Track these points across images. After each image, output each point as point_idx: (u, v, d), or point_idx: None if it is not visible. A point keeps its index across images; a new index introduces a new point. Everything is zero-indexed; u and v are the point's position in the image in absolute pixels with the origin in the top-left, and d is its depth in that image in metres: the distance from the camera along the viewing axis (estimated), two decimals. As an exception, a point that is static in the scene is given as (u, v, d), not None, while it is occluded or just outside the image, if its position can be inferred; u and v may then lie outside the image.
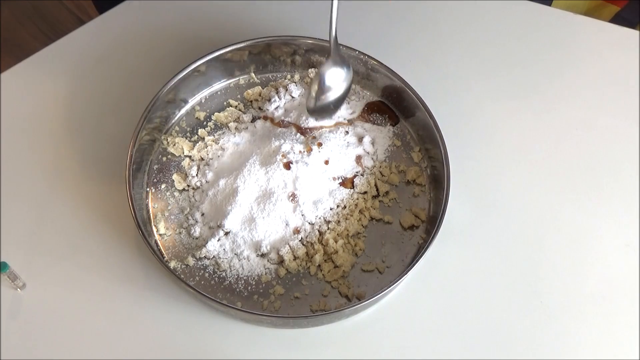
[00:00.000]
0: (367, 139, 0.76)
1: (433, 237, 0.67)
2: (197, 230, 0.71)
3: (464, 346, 0.67)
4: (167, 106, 0.77)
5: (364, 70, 0.79)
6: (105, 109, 0.80)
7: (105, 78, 0.83)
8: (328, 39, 0.78)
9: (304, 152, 0.73)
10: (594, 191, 0.77)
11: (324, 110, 0.72)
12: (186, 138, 0.77)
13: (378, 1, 0.92)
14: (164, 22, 0.88)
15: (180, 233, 0.71)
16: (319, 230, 0.71)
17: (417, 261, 0.66)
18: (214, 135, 0.77)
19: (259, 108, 0.80)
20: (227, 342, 0.67)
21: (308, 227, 0.71)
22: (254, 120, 0.79)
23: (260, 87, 0.81)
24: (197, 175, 0.74)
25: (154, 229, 0.71)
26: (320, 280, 0.69)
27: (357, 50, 0.78)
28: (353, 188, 0.74)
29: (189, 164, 0.75)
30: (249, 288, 0.68)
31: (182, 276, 0.68)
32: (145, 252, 0.68)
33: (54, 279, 0.69)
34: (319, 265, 0.69)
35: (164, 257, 0.70)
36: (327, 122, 0.77)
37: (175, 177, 0.74)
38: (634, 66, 0.86)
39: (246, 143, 0.76)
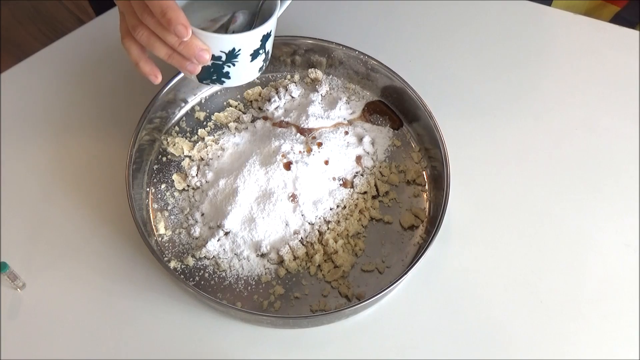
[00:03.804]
0: (367, 139, 0.76)
1: (433, 237, 0.67)
2: (197, 230, 0.71)
3: (464, 346, 0.67)
4: (167, 106, 0.77)
5: (364, 70, 0.79)
6: (105, 109, 0.80)
7: (105, 78, 0.83)
8: (326, 39, 0.78)
9: (304, 152, 0.73)
10: (594, 191, 0.77)
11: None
12: (186, 138, 0.77)
13: (378, 1, 0.92)
14: (164, 22, 0.88)
15: (180, 233, 0.71)
16: (318, 231, 0.71)
17: (417, 261, 0.66)
18: (214, 135, 0.77)
19: (259, 108, 0.80)
20: (227, 342, 0.67)
21: (308, 227, 0.71)
22: (254, 120, 0.79)
23: (260, 87, 0.81)
24: (197, 175, 0.74)
25: (154, 229, 0.71)
26: (320, 280, 0.69)
27: (357, 50, 0.78)
28: (353, 188, 0.74)
29: (189, 164, 0.75)
30: (249, 288, 0.68)
31: (182, 276, 0.68)
32: (145, 252, 0.68)
33: (54, 279, 0.69)
34: (319, 265, 0.69)
35: (164, 257, 0.70)
36: (326, 122, 0.77)
37: (175, 177, 0.74)
38: (634, 66, 0.86)
39: (246, 143, 0.76)
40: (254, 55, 0.61)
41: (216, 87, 0.81)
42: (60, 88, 0.82)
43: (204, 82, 0.63)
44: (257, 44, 0.60)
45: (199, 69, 0.59)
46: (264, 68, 0.64)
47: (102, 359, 0.65)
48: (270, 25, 0.60)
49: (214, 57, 0.59)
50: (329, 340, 0.67)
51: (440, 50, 0.87)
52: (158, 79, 0.61)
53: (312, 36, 0.79)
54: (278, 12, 0.62)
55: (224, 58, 0.60)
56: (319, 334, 0.68)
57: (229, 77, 0.62)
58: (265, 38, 0.61)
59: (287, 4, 0.65)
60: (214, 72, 0.61)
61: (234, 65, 0.61)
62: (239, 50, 0.59)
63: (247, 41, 0.60)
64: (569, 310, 0.69)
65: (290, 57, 0.81)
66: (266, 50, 0.63)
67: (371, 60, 0.78)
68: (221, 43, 0.59)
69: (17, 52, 1.68)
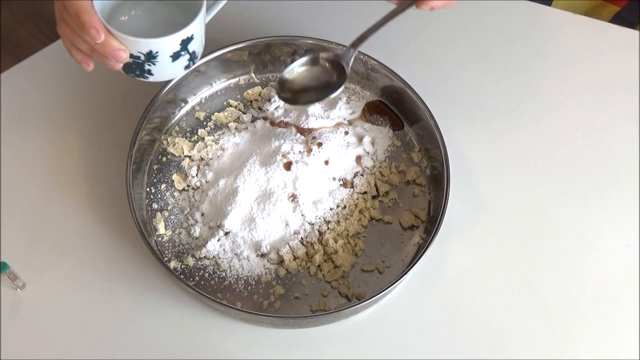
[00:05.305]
0: (367, 139, 0.76)
1: (433, 237, 0.67)
2: (197, 230, 0.71)
3: (464, 346, 0.67)
4: (167, 106, 0.77)
5: (364, 70, 0.79)
6: (105, 109, 0.80)
7: (105, 78, 0.82)
8: (326, 39, 0.78)
9: (303, 152, 0.73)
10: (594, 191, 0.77)
11: (290, 92, 0.68)
12: (186, 138, 0.77)
13: (378, 1, 0.91)
14: (164, 22, 0.88)
15: (180, 233, 0.71)
16: (318, 231, 0.71)
17: (417, 261, 0.66)
18: (214, 135, 0.77)
19: (259, 108, 0.80)
20: (227, 342, 0.67)
21: (308, 227, 0.71)
22: (254, 120, 0.79)
23: (260, 87, 0.81)
24: (197, 175, 0.74)
25: (154, 229, 0.71)
26: (320, 280, 0.69)
27: (357, 50, 0.77)
28: (353, 188, 0.74)
29: (189, 164, 0.75)
30: (249, 288, 0.68)
31: (182, 276, 0.68)
32: (145, 252, 0.68)
33: (54, 279, 0.69)
34: (319, 266, 0.69)
35: (164, 257, 0.70)
36: (326, 122, 0.77)
37: (175, 177, 0.74)
38: (634, 66, 0.86)
39: (246, 143, 0.76)
40: (175, 56, 0.62)
41: (216, 87, 0.81)
42: (60, 88, 0.82)
43: (130, 75, 0.64)
44: (177, 47, 0.61)
45: (119, 65, 0.61)
46: (192, 66, 0.66)
47: (102, 359, 0.65)
48: (190, 30, 0.61)
49: (133, 56, 0.61)
50: (329, 340, 0.67)
51: (440, 50, 0.87)
52: (90, 67, 0.62)
53: (312, 36, 0.79)
54: (202, 17, 0.62)
55: (142, 58, 0.61)
56: (319, 334, 0.68)
57: (151, 74, 0.63)
58: (186, 42, 0.62)
59: (217, 9, 0.66)
60: (136, 68, 0.63)
61: (154, 64, 0.62)
62: (157, 52, 0.61)
63: (163, 45, 0.61)
64: (569, 310, 0.69)
65: (290, 57, 0.81)
66: (190, 52, 0.63)
67: (371, 60, 0.78)
68: (137, 45, 0.60)
69: (17, 52, 1.68)
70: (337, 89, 0.67)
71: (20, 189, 0.74)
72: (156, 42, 0.60)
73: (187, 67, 0.65)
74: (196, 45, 0.64)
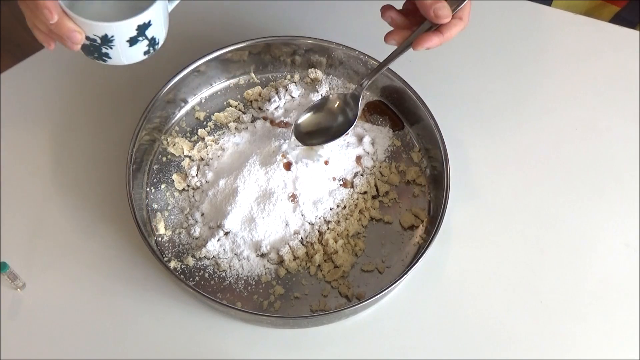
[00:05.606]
0: (367, 139, 0.76)
1: (433, 237, 0.67)
2: (197, 230, 0.71)
3: (464, 346, 0.67)
4: (167, 106, 0.77)
5: (364, 70, 0.79)
6: (105, 109, 0.80)
7: (105, 78, 0.83)
8: (326, 39, 0.78)
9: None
10: (594, 191, 0.77)
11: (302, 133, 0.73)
12: (186, 138, 0.77)
13: (378, 1, 0.91)
14: (164, 22, 0.88)
15: (180, 233, 0.71)
16: (318, 231, 0.71)
17: (417, 261, 0.66)
18: (214, 135, 0.77)
19: (259, 108, 0.80)
20: (227, 342, 0.67)
21: (308, 227, 0.71)
22: (254, 120, 0.79)
23: (260, 87, 0.81)
24: (197, 175, 0.74)
25: (154, 229, 0.71)
26: (320, 280, 0.69)
27: (357, 50, 0.78)
28: (353, 188, 0.74)
29: (189, 164, 0.75)
30: (249, 288, 0.68)
31: (182, 276, 0.68)
32: (145, 252, 0.68)
33: (53, 279, 0.69)
34: (319, 266, 0.69)
35: (164, 257, 0.70)
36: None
37: (175, 177, 0.74)
38: (634, 66, 0.86)
39: (246, 143, 0.76)
40: (132, 41, 0.62)
41: (216, 87, 0.81)
42: (60, 88, 0.82)
43: (89, 57, 0.64)
44: (133, 33, 0.61)
45: (77, 47, 0.61)
46: (152, 51, 0.65)
47: (102, 359, 0.65)
48: (147, 16, 0.61)
49: (89, 39, 0.61)
50: (329, 340, 0.67)
51: (440, 50, 0.87)
52: (51, 46, 0.62)
53: (312, 36, 0.79)
54: (161, 4, 0.62)
55: (99, 41, 0.61)
56: (319, 334, 0.68)
57: (109, 57, 0.63)
58: (143, 27, 0.61)
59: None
60: (94, 51, 0.63)
61: (111, 48, 0.62)
62: (112, 36, 0.61)
63: (119, 30, 0.61)
64: (569, 310, 0.69)
65: (290, 57, 0.81)
66: (149, 37, 0.63)
67: (371, 60, 0.77)
68: (92, 28, 0.60)
69: (17, 52, 1.68)
70: (342, 134, 0.72)
71: (20, 189, 0.74)
72: (110, 26, 0.60)
73: (147, 52, 0.64)
74: (156, 32, 0.63)
